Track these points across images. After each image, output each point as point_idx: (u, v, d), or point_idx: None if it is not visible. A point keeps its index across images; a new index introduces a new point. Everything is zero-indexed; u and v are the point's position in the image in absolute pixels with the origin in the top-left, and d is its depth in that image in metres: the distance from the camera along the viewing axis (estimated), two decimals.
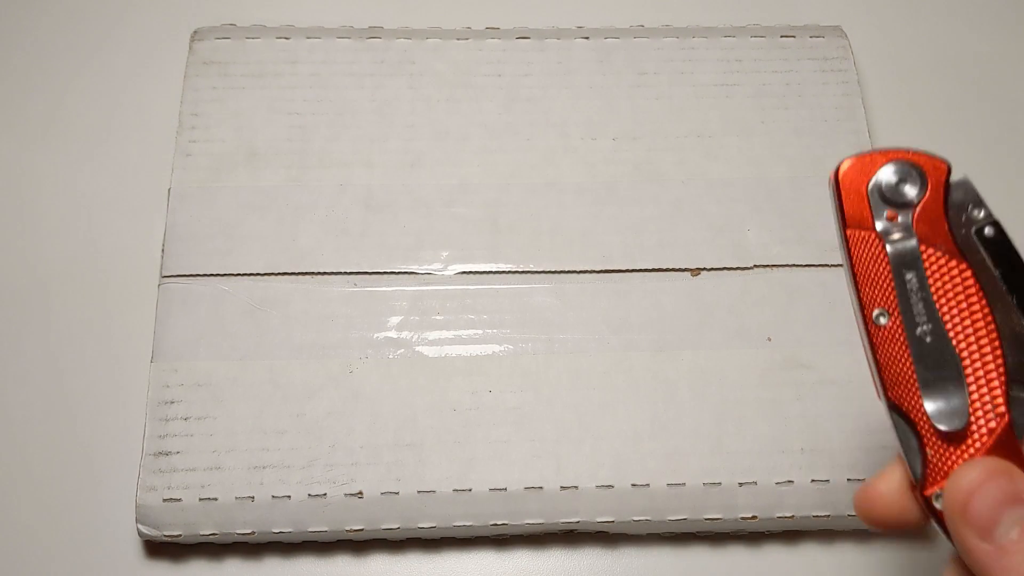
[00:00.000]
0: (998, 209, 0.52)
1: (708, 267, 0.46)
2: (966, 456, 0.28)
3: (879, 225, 0.29)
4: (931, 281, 0.28)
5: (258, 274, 0.46)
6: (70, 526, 0.44)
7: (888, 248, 0.29)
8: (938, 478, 0.28)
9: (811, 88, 0.51)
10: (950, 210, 0.29)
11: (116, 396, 0.46)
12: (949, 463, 0.28)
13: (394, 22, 0.52)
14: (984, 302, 0.28)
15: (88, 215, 0.50)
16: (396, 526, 0.42)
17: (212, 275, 0.46)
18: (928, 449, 0.28)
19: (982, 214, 0.29)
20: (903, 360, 0.28)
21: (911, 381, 0.28)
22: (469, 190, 0.48)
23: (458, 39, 0.51)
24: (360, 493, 0.42)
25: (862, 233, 0.29)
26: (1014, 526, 0.26)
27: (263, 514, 0.42)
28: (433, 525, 0.42)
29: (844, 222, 0.29)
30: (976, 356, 0.28)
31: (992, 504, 0.27)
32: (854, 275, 0.29)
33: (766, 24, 0.53)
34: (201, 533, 0.42)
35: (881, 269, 0.29)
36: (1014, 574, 0.26)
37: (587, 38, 0.51)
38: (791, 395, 0.44)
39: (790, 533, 0.45)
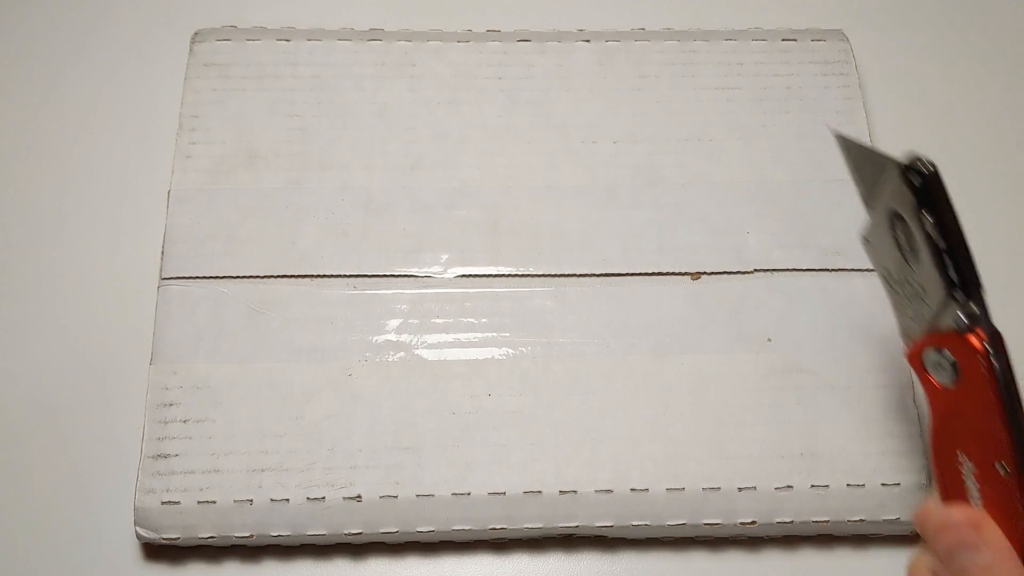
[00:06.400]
0: (997, 210, 0.52)
1: (708, 271, 0.46)
2: None
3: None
4: None
5: (257, 276, 0.46)
6: (68, 528, 0.44)
7: None
8: None
9: (812, 92, 0.50)
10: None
11: (115, 398, 0.46)
12: None
13: (395, 24, 0.52)
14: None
15: (88, 216, 0.50)
16: (395, 530, 0.42)
17: (211, 277, 0.46)
18: None
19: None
20: None
21: None
22: (469, 193, 0.48)
23: (459, 41, 0.51)
24: (359, 496, 0.42)
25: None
26: None
27: (262, 517, 0.42)
28: (432, 529, 0.42)
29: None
30: None
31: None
32: None
33: (767, 27, 0.53)
34: (199, 536, 0.42)
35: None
36: None
37: (588, 41, 0.51)
38: (791, 400, 0.44)
39: (789, 538, 0.44)
